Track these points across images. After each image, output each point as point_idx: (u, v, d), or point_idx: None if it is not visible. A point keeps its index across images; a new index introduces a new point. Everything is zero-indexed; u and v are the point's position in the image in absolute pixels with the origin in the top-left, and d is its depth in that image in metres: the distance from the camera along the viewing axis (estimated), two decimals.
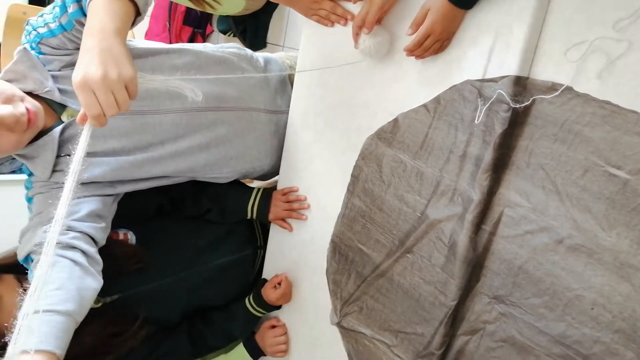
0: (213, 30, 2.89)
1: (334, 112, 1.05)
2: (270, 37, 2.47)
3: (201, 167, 1.06)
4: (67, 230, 0.88)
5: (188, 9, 2.80)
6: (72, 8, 0.82)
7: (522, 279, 0.79)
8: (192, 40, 2.84)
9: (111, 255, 0.96)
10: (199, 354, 1.20)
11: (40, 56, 0.90)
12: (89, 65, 0.68)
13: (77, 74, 0.68)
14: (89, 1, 0.76)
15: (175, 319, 1.17)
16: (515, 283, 0.80)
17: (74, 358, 0.81)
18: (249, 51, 1.17)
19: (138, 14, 0.81)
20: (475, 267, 0.84)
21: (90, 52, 0.70)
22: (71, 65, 0.90)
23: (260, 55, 1.20)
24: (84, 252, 0.88)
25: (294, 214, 1.16)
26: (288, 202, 1.16)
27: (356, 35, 0.93)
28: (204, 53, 1.06)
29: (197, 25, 2.85)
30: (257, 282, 1.25)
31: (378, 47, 0.91)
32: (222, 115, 1.05)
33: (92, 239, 0.92)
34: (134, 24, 0.82)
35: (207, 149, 1.05)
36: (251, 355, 1.24)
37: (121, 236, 1.05)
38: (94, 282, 0.87)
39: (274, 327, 1.24)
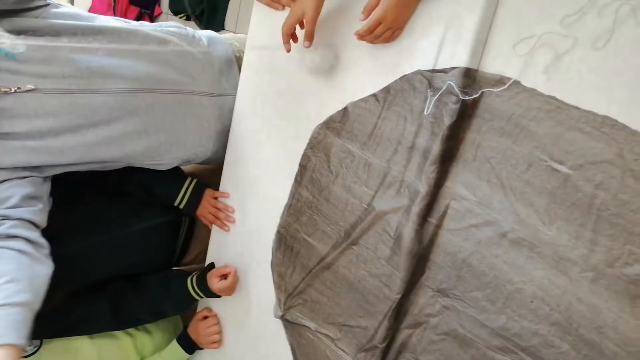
0: (161, 12, 2.77)
1: (282, 99, 1.01)
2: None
3: (139, 155, 1.00)
4: (3, 220, 0.83)
5: None
6: None
7: (465, 272, 0.79)
8: (138, 20, 2.71)
9: None
10: (121, 324, 1.13)
11: None
12: None
13: None
14: None
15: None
16: (459, 276, 0.80)
17: None
18: (190, 30, 1.09)
19: None
20: (420, 260, 0.83)
21: None
22: None
23: (203, 34, 1.12)
24: (27, 240, 0.83)
25: (217, 222, 1.12)
26: (214, 206, 1.12)
27: (287, 41, 0.89)
28: (140, 32, 0.97)
29: (144, 5, 2.72)
30: (206, 266, 1.20)
31: (323, 61, 0.90)
32: (161, 99, 0.98)
33: (32, 223, 0.86)
34: None
35: (146, 134, 0.98)
36: (186, 350, 1.20)
37: None
38: (44, 268, 0.85)
39: (205, 318, 1.20)
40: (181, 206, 1.14)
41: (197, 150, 1.09)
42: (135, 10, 2.74)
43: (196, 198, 1.14)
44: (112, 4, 2.71)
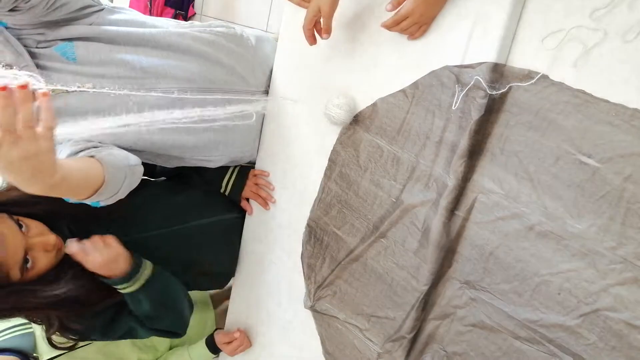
0: (195, 13, 2.84)
1: (313, 95, 1.04)
2: (251, 19, 2.44)
3: (189, 149, 1.04)
4: (87, 142, 0.89)
5: None
6: None
7: (492, 265, 0.80)
8: None
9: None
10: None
11: (13, 31, 0.87)
12: None
13: None
14: None
15: None
16: (486, 268, 0.81)
17: (59, 301, 0.88)
18: (238, 29, 1.13)
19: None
20: (447, 253, 0.84)
21: None
22: (46, 42, 0.88)
23: (251, 33, 1.16)
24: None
25: (258, 199, 1.16)
26: (257, 184, 1.16)
27: (310, 36, 0.92)
28: (189, 34, 1.02)
29: (179, 7, 2.79)
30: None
31: (345, 113, 0.95)
32: (211, 98, 1.02)
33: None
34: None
35: (195, 132, 1.02)
36: (212, 352, 1.27)
37: None
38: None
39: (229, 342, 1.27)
40: (227, 190, 1.18)
41: (244, 149, 1.13)
42: (170, 11, 2.82)
43: (241, 181, 1.18)
44: (149, 6, 2.80)
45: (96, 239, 0.93)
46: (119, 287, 0.96)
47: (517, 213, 0.77)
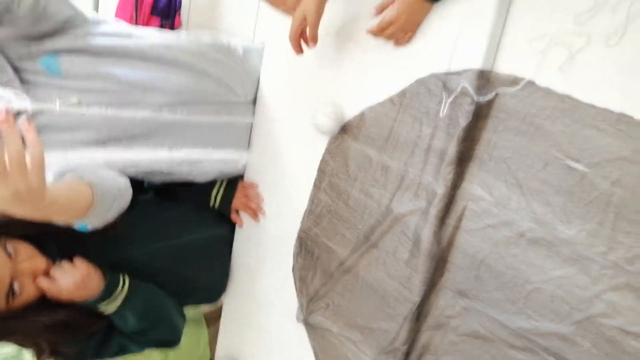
0: (182, 22, 2.83)
1: (300, 105, 1.03)
2: (238, 27, 2.44)
3: (176, 164, 1.02)
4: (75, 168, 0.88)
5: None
6: None
7: (484, 273, 0.79)
8: None
9: None
10: None
11: None
12: None
13: None
14: None
15: None
16: (477, 277, 0.80)
17: (50, 327, 0.86)
18: (225, 40, 1.12)
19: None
20: (439, 262, 0.84)
21: None
22: (30, 55, 0.86)
23: (239, 44, 1.15)
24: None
25: (248, 210, 1.14)
26: (246, 196, 1.14)
27: (296, 45, 0.91)
28: (176, 45, 1.01)
29: (165, 16, 2.78)
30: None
31: (332, 122, 0.94)
32: (199, 110, 1.01)
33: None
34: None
35: (184, 145, 1.01)
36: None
37: None
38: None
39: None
40: (216, 203, 1.17)
41: (233, 159, 1.12)
42: (156, 20, 2.80)
43: (230, 193, 1.16)
44: (135, 16, 2.78)
45: (63, 263, 0.91)
46: (100, 306, 0.94)
47: (507, 220, 0.76)
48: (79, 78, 0.89)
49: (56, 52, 0.88)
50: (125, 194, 0.90)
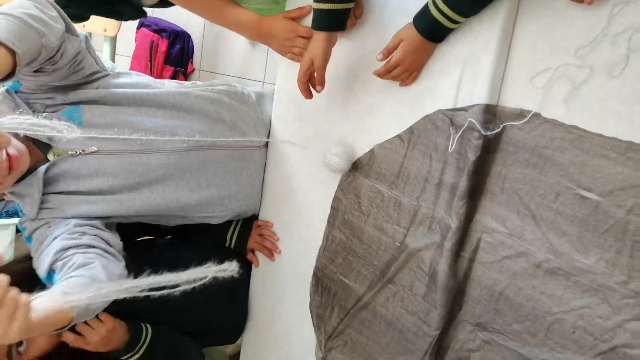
0: (194, 69, 2.92)
1: (311, 144, 1.06)
2: (249, 72, 2.51)
3: (192, 207, 1.04)
4: (81, 235, 0.89)
5: (169, 49, 2.84)
6: None
7: (503, 305, 0.78)
8: (173, 79, 2.86)
9: None
10: None
11: (22, 95, 0.91)
12: None
13: None
14: None
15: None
16: (496, 309, 0.79)
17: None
18: (239, 87, 1.16)
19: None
20: (456, 295, 0.83)
21: None
22: (54, 106, 0.91)
23: (252, 90, 1.19)
24: (105, 251, 0.88)
25: (264, 250, 1.15)
26: (261, 235, 1.16)
27: (305, 89, 0.95)
28: (192, 93, 1.05)
29: (178, 64, 2.88)
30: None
31: (343, 162, 0.96)
32: (214, 155, 1.04)
33: (108, 242, 0.92)
34: (8, 76, 0.76)
35: (198, 189, 1.03)
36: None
37: None
38: (117, 270, 0.87)
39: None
40: (232, 244, 1.18)
41: (247, 202, 1.14)
42: (170, 69, 2.90)
43: (245, 233, 1.17)
44: (149, 65, 2.88)
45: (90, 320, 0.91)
46: (126, 357, 0.95)
47: (523, 251, 0.76)
48: (98, 127, 0.93)
49: (78, 103, 0.93)
50: (110, 296, 0.82)
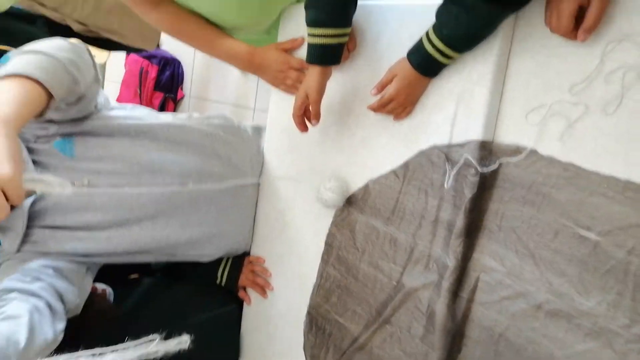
0: (184, 96, 2.91)
1: (304, 178, 1.04)
2: (240, 99, 2.50)
3: (181, 245, 1.01)
4: (36, 280, 0.81)
5: (159, 75, 2.83)
6: None
7: (503, 347, 0.76)
8: (163, 105, 2.85)
9: (85, 305, 0.91)
10: None
11: None
12: None
13: None
14: None
15: None
16: (497, 352, 0.77)
17: None
18: (236, 121, 1.15)
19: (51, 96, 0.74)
20: (455, 337, 0.81)
21: None
22: (46, 137, 0.88)
23: (248, 125, 1.17)
24: (48, 305, 0.79)
25: (256, 287, 1.13)
26: (253, 271, 1.13)
27: (300, 123, 0.94)
28: (187, 127, 1.03)
29: (168, 90, 2.87)
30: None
31: (338, 197, 0.94)
32: (206, 192, 1.01)
33: (61, 296, 0.84)
34: (47, 108, 0.75)
35: (189, 227, 1.00)
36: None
37: (99, 290, 1.01)
38: (49, 332, 0.76)
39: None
40: (223, 281, 1.15)
41: (239, 239, 1.11)
42: (159, 95, 2.89)
43: (236, 270, 1.14)
44: (139, 92, 2.87)
45: None
46: None
47: (522, 292, 0.74)
48: (90, 160, 0.90)
49: (71, 134, 0.90)
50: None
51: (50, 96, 0.74)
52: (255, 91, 2.41)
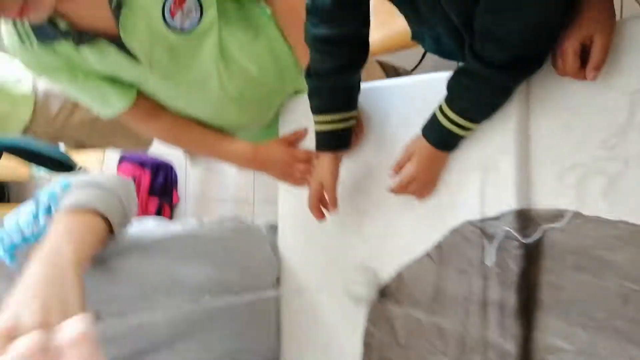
0: (179, 200, 2.88)
1: (326, 276, 0.97)
2: (240, 193, 2.47)
3: None
4: None
5: (152, 180, 2.81)
6: (42, 220, 0.75)
7: None
8: (159, 211, 2.80)
9: None
10: None
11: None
12: (25, 306, 0.51)
13: (6, 317, 0.50)
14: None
15: None
16: None
17: None
18: (249, 222, 1.09)
19: (111, 231, 0.73)
20: None
21: (31, 285, 0.55)
22: None
23: (262, 223, 1.12)
24: None
25: None
26: None
27: (317, 211, 0.90)
28: (200, 235, 0.97)
29: (162, 194, 2.84)
30: None
31: (368, 292, 0.88)
32: (224, 305, 0.92)
33: None
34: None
35: (210, 347, 0.91)
36: None
37: None
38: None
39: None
40: None
41: (265, 352, 1.02)
42: (155, 200, 2.86)
43: None
44: None
45: None
46: None
47: None
48: (97, 287, 0.82)
49: None
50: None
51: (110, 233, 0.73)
52: (252, 182, 2.39)
